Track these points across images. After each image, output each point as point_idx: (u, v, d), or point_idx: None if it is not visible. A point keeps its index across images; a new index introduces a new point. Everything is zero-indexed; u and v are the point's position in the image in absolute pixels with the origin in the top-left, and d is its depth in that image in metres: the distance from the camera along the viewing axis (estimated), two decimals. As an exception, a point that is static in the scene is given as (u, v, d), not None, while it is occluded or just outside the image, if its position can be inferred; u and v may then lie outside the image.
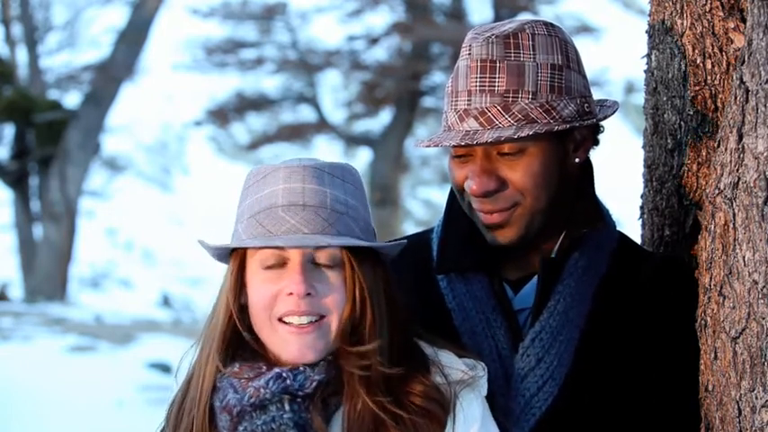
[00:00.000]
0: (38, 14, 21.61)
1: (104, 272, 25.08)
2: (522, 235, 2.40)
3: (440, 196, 25.80)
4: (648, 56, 2.75)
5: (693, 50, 2.61)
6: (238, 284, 2.23)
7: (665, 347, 2.42)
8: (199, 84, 23.16)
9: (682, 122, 2.64)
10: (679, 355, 2.43)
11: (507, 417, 2.35)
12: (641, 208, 2.79)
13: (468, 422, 2.19)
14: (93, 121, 19.74)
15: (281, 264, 2.18)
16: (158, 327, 14.78)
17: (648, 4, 2.76)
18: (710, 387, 2.39)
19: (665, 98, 2.68)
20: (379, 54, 20.55)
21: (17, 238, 20.30)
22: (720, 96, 2.57)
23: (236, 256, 2.24)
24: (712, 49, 2.58)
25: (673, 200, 2.67)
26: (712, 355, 2.38)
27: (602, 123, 2.48)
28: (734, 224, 2.32)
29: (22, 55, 21.35)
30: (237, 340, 2.24)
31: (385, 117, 21.18)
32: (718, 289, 2.36)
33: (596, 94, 2.51)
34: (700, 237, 2.45)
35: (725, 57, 2.57)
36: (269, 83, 21.07)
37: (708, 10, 2.57)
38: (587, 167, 2.49)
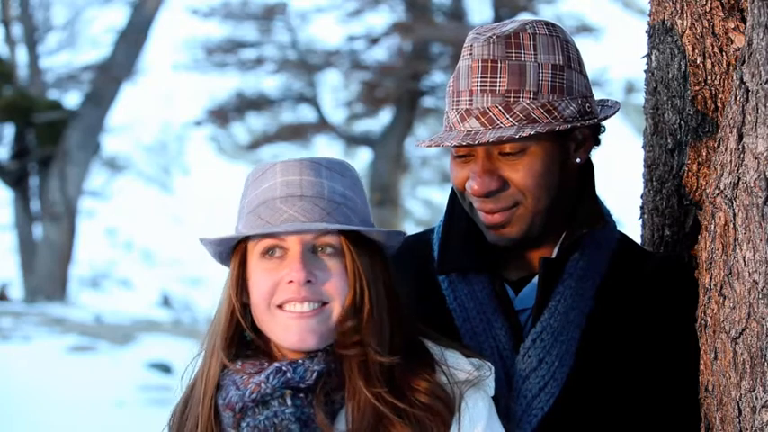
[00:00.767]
0: (38, 14, 21.59)
1: (104, 272, 25.08)
2: (523, 235, 2.40)
3: (440, 196, 25.79)
4: (648, 56, 2.75)
5: (693, 50, 2.61)
6: (240, 282, 2.24)
7: (665, 347, 2.42)
8: (199, 84, 23.16)
9: (682, 122, 2.64)
10: (679, 355, 2.43)
11: (509, 418, 2.35)
12: (641, 208, 2.79)
13: (473, 422, 2.19)
14: (93, 121, 19.73)
15: (281, 255, 2.19)
16: (158, 327, 14.77)
17: (648, 4, 2.76)
18: (710, 387, 2.39)
19: (665, 98, 2.68)
20: (379, 54, 20.54)
21: (17, 238, 20.30)
22: (720, 96, 2.57)
23: (236, 254, 2.25)
24: (712, 49, 2.58)
25: (673, 200, 2.67)
26: (712, 355, 2.38)
27: (603, 123, 2.48)
28: (734, 224, 2.32)
29: (22, 55, 21.33)
30: (241, 338, 2.25)
31: (385, 117, 21.17)
32: (719, 289, 2.36)
33: (596, 94, 2.51)
34: (700, 237, 2.45)
35: (725, 57, 2.57)
36: (269, 83, 21.06)
37: (708, 10, 2.57)
38: (588, 167, 2.49)
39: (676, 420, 2.42)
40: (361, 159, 23.39)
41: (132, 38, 19.93)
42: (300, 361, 2.18)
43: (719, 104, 2.58)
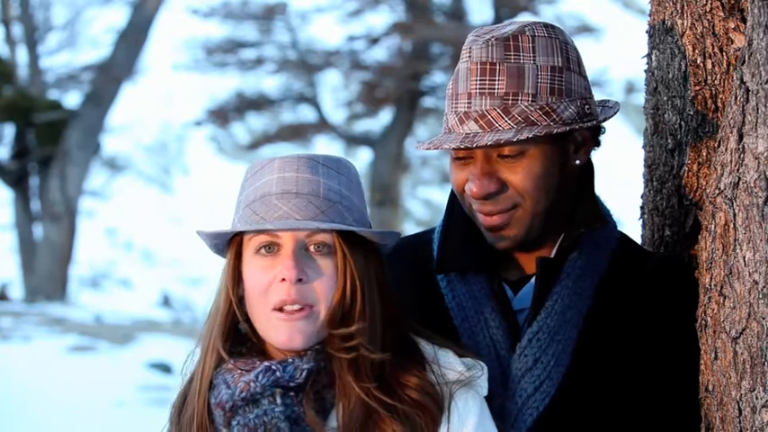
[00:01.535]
0: (38, 14, 21.59)
1: (104, 272, 25.09)
2: (522, 236, 2.40)
3: (440, 196, 25.80)
4: (649, 56, 2.75)
5: (694, 50, 2.61)
6: (235, 275, 2.26)
7: (664, 347, 2.42)
8: (199, 84, 23.16)
9: (682, 122, 2.64)
10: (679, 355, 2.43)
11: (505, 417, 2.35)
12: (641, 208, 2.79)
13: (462, 421, 2.19)
14: (93, 121, 19.74)
15: (275, 251, 2.21)
16: (158, 327, 14.78)
17: (648, 4, 2.76)
18: (711, 387, 2.39)
19: (665, 98, 2.68)
20: (379, 54, 20.54)
21: (17, 238, 20.30)
22: (721, 96, 2.57)
23: (232, 248, 2.27)
24: (713, 49, 2.58)
25: (673, 200, 2.67)
26: (713, 355, 2.38)
27: (604, 124, 2.48)
28: (734, 224, 2.32)
29: (22, 55, 21.34)
30: (236, 334, 2.26)
31: (385, 117, 21.17)
32: (719, 289, 2.36)
33: (596, 94, 2.51)
34: (700, 237, 2.45)
35: (725, 57, 2.57)
36: (269, 83, 21.06)
37: (708, 10, 2.57)
38: (588, 168, 2.49)
39: (676, 420, 2.42)
40: (362, 159, 23.38)
41: (132, 38, 19.94)
42: (290, 360, 2.19)
43: (720, 104, 2.58)
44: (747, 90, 2.29)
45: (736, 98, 2.32)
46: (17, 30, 21.36)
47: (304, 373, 2.17)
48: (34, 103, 19.72)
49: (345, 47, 20.45)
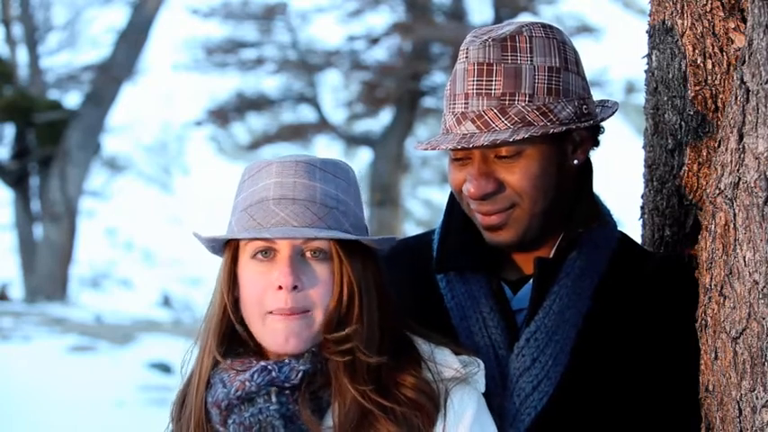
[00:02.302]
0: (38, 14, 21.59)
1: (104, 272, 25.09)
2: (520, 236, 2.40)
3: (440, 196, 25.80)
4: (649, 56, 2.75)
5: (694, 50, 2.61)
6: (231, 277, 2.26)
7: (664, 347, 2.42)
8: (199, 84, 23.16)
9: (682, 122, 2.64)
10: (679, 355, 2.43)
11: (503, 417, 2.35)
12: (642, 208, 2.79)
13: (458, 417, 2.20)
14: (94, 121, 19.74)
15: (271, 256, 2.21)
16: (158, 327, 14.78)
17: (648, 4, 2.76)
18: (711, 387, 2.39)
19: (665, 98, 2.68)
20: (379, 54, 20.54)
21: (17, 238, 20.30)
22: (721, 96, 2.57)
23: (228, 249, 2.27)
24: (713, 49, 2.58)
25: (673, 200, 2.67)
26: (713, 355, 2.38)
27: (603, 124, 2.48)
28: (734, 224, 2.32)
29: (22, 55, 21.34)
30: (232, 334, 2.27)
31: (385, 117, 21.17)
32: (719, 289, 2.36)
33: (596, 94, 2.51)
34: (700, 237, 2.45)
35: (725, 57, 2.57)
36: (269, 83, 21.07)
37: (708, 10, 2.57)
38: (587, 168, 2.49)
39: (677, 421, 2.42)
40: (362, 159, 23.39)
41: (132, 38, 19.94)
42: (287, 360, 2.20)
43: (720, 104, 2.57)
44: (747, 90, 2.29)
45: (736, 98, 2.32)
46: (17, 30, 21.37)
47: (299, 375, 2.18)
48: (34, 103, 19.73)
49: (345, 47, 20.46)
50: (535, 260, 2.42)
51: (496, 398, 2.35)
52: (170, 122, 30.22)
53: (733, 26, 2.55)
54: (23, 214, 20.10)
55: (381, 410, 2.17)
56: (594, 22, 20.15)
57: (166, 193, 30.59)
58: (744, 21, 2.52)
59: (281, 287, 2.19)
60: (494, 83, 2.35)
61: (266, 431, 2.17)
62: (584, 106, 2.40)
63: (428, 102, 20.67)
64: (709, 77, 2.59)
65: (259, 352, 2.26)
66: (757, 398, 2.29)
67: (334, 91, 21.68)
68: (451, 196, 2.54)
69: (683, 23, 2.62)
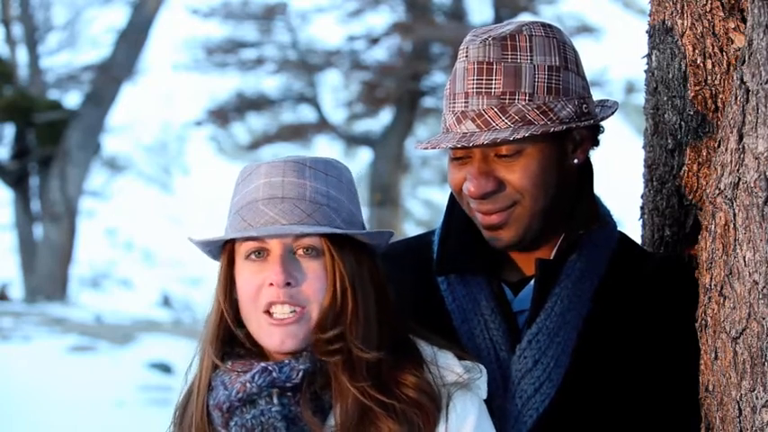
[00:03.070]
0: (38, 14, 21.58)
1: (104, 272, 25.08)
2: (520, 235, 2.40)
3: (440, 196, 25.78)
4: (649, 56, 2.75)
5: (694, 50, 2.60)
6: (228, 280, 2.28)
7: (665, 347, 2.42)
8: (199, 84, 23.15)
9: (682, 122, 2.64)
10: (679, 356, 2.43)
11: (504, 419, 2.35)
12: (641, 208, 2.79)
13: (460, 423, 2.20)
14: (93, 121, 19.73)
15: (264, 256, 2.22)
16: (158, 327, 14.77)
17: (648, 4, 2.76)
18: (711, 387, 2.39)
19: (665, 98, 2.68)
20: (379, 54, 20.53)
21: (17, 238, 20.29)
22: (721, 96, 2.57)
23: (225, 253, 2.29)
24: (713, 49, 2.58)
25: (673, 200, 2.67)
26: (713, 356, 2.38)
27: (603, 124, 2.48)
28: (734, 224, 2.32)
29: (22, 55, 21.33)
30: (233, 337, 2.28)
31: (385, 117, 21.16)
32: (719, 289, 2.36)
33: (596, 94, 2.51)
34: (700, 237, 2.45)
35: (725, 57, 2.56)
36: (269, 83, 21.06)
37: (708, 10, 2.57)
38: (587, 168, 2.49)
39: (677, 421, 2.42)
40: (362, 159, 23.39)
41: (132, 38, 19.93)
42: (287, 361, 2.20)
43: (720, 104, 2.57)
44: (747, 90, 2.29)
45: (736, 98, 2.32)
46: (17, 30, 21.36)
47: (300, 374, 2.18)
48: (34, 103, 19.72)
49: (345, 47, 20.45)
50: (536, 261, 2.42)
51: (498, 400, 2.35)
52: (170, 122, 30.20)
53: (733, 26, 2.55)
54: (23, 214, 20.09)
55: (382, 407, 2.17)
56: (594, 22, 20.15)
57: (166, 193, 30.58)
58: (744, 21, 2.52)
59: (272, 284, 2.20)
60: (494, 82, 2.35)
61: None
62: (584, 105, 2.40)
63: (428, 102, 20.66)
64: (709, 77, 2.59)
65: (260, 353, 2.26)
66: (757, 398, 2.29)
67: (334, 91, 21.67)
68: (452, 197, 2.54)
69: (682, 23, 2.62)
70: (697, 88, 2.60)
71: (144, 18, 19.94)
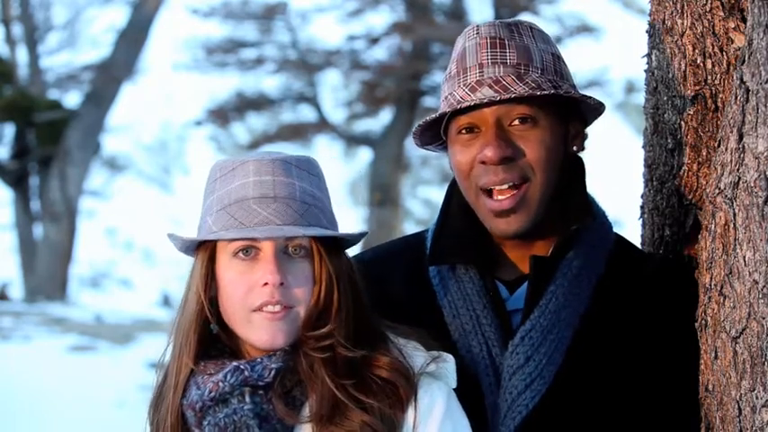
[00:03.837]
0: (38, 14, 21.59)
1: (104, 272, 25.09)
2: (529, 221, 2.40)
3: (440, 196, 25.72)
4: (649, 56, 2.75)
5: (694, 50, 2.61)
6: (208, 277, 2.26)
7: (665, 347, 2.42)
8: (199, 84, 23.15)
9: (682, 122, 2.64)
10: (679, 355, 2.43)
11: (494, 414, 2.35)
12: (641, 208, 2.79)
13: (430, 409, 2.20)
14: (93, 120, 19.74)
15: (253, 255, 2.22)
16: (158, 327, 14.77)
17: (648, 4, 2.76)
18: (711, 387, 2.39)
19: (665, 98, 2.68)
20: (379, 54, 20.54)
21: (17, 238, 20.30)
22: (721, 96, 2.57)
23: (205, 249, 2.27)
24: (713, 49, 2.58)
25: (673, 200, 2.67)
26: (712, 355, 2.38)
27: (591, 126, 2.54)
28: (734, 224, 2.32)
29: (22, 55, 21.34)
30: (208, 335, 2.27)
31: (385, 117, 21.16)
32: (719, 289, 2.36)
33: (596, 94, 2.53)
34: (700, 236, 2.45)
35: (725, 56, 2.57)
36: (269, 83, 21.06)
37: (708, 10, 2.57)
38: (579, 163, 2.51)
39: (677, 421, 2.42)
40: (361, 159, 23.38)
41: (132, 38, 19.94)
42: (259, 359, 2.21)
43: (720, 104, 2.57)
44: (747, 90, 2.29)
45: (736, 98, 2.32)
46: (17, 30, 21.37)
47: (272, 373, 2.19)
48: (34, 103, 19.73)
49: (345, 47, 20.45)
50: (531, 259, 2.42)
51: (489, 395, 2.36)
52: (170, 122, 30.20)
53: (733, 26, 2.55)
54: (23, 214, 20.10)
55: (355, 402, 2.18)
56: (594, 21, 20.13)
57: (166, 193, 30.58)
58: (744, 20, 2.52)
59: (266, 284, 2.20)
60: (508, 53, 2.40)
61: (241, 431, 2.18)
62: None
63: (428, 101, 20.65)
64: (709, 77, 2.59)
65: (233, 353, 2.27)
66: (757, 397, 2.29)
67: (334, 91, 21.67)
68: (449, 193, 2.55)
69: (682, 23, 2.62)
70: (697, 88, 2.60)
71: (144, 18, 19.95)
